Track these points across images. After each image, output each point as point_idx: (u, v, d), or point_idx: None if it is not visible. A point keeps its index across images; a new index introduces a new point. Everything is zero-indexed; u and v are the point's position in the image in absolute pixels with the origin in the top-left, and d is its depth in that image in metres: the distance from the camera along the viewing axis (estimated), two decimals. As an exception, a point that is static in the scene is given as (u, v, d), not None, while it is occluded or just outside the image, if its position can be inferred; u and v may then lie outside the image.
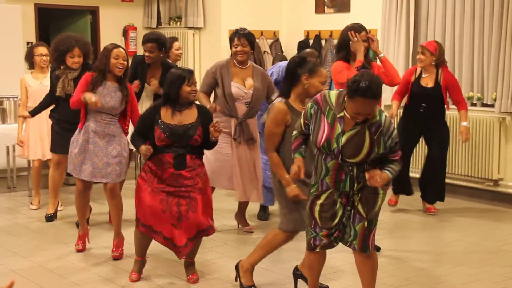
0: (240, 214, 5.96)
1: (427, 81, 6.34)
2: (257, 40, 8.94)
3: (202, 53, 9.25)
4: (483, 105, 7.16)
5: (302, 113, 3.81)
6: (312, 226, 3.76)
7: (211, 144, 4.52)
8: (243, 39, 5.53)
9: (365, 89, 3.44)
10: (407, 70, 6.83)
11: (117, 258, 5.09)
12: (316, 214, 3.73)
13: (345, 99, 3.59)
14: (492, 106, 7.02)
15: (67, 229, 5.94)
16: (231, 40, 5.63)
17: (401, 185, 6.59)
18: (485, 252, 5.40)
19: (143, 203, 4.44)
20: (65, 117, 5.85)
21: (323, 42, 8.68)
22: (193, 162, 4.44)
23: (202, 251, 4.91)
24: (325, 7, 8.69)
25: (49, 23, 9.71)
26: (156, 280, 4.66)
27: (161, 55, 5.96)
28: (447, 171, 7.20)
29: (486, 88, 7.09)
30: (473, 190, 7.21)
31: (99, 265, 5.01)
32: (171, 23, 9.62)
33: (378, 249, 5.20)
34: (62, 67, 5.88)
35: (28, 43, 8.67)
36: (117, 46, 5.02)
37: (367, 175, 3.59)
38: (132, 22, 9.73)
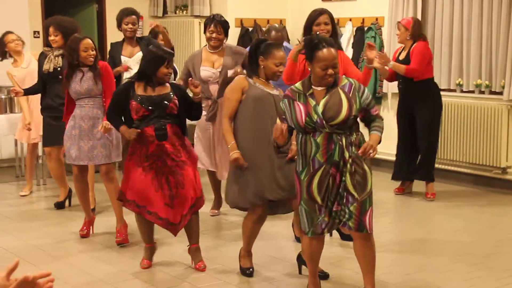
0: None
1: (403, 56, 6.51)
2: (263, 29, 8.93)
3: (208, 41, 9.22)
4: (491, 92, 7.12)
5: (278, 113, 3.93)
6: (317, 211, 3.75)
7: (195, 109, 4.55)
8: (219, 26, 5.67)
9: (321, 40, 3.71)
10: (395, 52, 6.86)
11: (121, 242, 5.10)
12: (316, 194, 3.72)
13: (310, 69, 3.74)
14: (500, 93, 6.99)
15: (77, 217, 5.96)
16: (206, 25, 5.74)
17: (405, 171, 6.75)
18: (493, 239, 5.39)
19: (136, 184, 4.44)
20: (53, 101, 5.95)
21: (330, 30, 8.63)
22: (174, 131, 4.45)
23: (207, 237, 4.92)
24: (332, -5, 8.64)
25: (55, 12, 9.68)
26: (162, 267, 4.68)
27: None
28: (455, 158, 7.19)
29: (495, 75, 7.05)
30: (481, 177, 7.19)
31: (106, 252, 5.03)
32: (177, 11, 9.60)
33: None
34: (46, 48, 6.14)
35: (34, 32, 8.69)
36: (84, 37, 5.14)
37: (360, 152, 3.64)
38: (139, 11, 9.68)
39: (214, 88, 5.72)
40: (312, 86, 3.75)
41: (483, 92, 7.19)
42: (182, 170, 4.44)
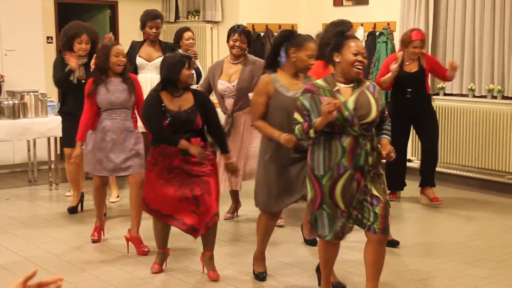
0: None
1: (411, 67, 6.43)
2: (275, 34, 8.93)
3: (220, 47, 9.24)
4: (504, 97, 7.09)
5: (298, 111, 3.76)
6: (339, 215, 3.71)
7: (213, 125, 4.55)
8: (243, 35, 5.64)
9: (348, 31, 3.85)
10: (389, 58, 6.67)
11: (146, 254, 5.02)
12: (339, 199, 3.68)
13: (337, 59, 3.70)
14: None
15: (88, 222, 5.98)
16: (229, 34, 5.71)
17: (398, 181, 6.69)
18: (507, 245, 5.35)
19: (159, 195, 4.42)
20: (73, 109, 5.93)
21: (341, 35, 8.63)
22: (198, 143, 4.41)
23: (222, 242, 4.92)
24: (344, 0, 8.65)
25: (68, 18, 9.74)
26: (173, 273, 4.68)
27: None
28: (467, 164, 7.17)
29: (507, 80, 7.02)
30: (493, 183, 7.15)
31: (118, 257, 5.04)
32: (189, 17, 9.63)
33: (397, 243, 5.18)
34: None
35: (48, 38, 8.75)
36: (116, 44, 5.12)
37: (383, 153, 3.70)
38: (151, 16, 9.74)
39: (229, 103, 5.67)
40: (337, 83, 3.73)
41: (495, 97, 7.16)
42: (208, 179, 4.41)
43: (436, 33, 7.56)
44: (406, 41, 6.38)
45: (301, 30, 9.13)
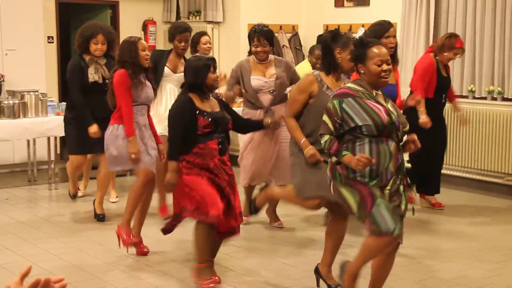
0: (271, 209, 5.87)
1: (443, 72, 6.35)
2: (276, 34, 8.93)
3: (221, 47, 9.25)
4: (504, 99, 7.09)
5: (329, 115, 3.59)
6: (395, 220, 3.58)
7: (242, 123, 4.61)
8: (263, 38, 5.52)
9: (371, 39, 3.71)
10: (427, 62, 6.30)
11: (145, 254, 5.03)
12: (387, 205, 3.56)
13: (362, 71, 3.61)
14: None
15: (87, 222, 5.98)
16: (250, 38, 5.65)
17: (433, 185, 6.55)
18: (507, 246, 5.35)
19: (200, 192, 4.20)
20: (94, 112, 5.82)
21: (342, 36, 8.64)
22: (228, 146, 4.42)
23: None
24: (344, 1, 8.65)
25: (69, 18, 9.78)
26: (173, 282, 4.68)
27: None
28: (467, 165, 7.15)
29: (507, 82, 7.02)
30: (492, 184, 7.15)
31: (119, 258, 5.04)
32: (190, 17, 9.63)
33: None
34: (87, 57, 5.90)
35: (48, 37, 8.75)
36: (139, 38, 5.11)
37: (412, 145, 3.69)
38: (152, 16, 9.76)
39: (265, 98, 5.59)
40: (374, 91, 3.65)
41: (495, 99, 7.16)
42: (235, 183, 4.40)
43: (437, 35, 7.56)
44: (447, 46, 6.17)
45: (302, 31, 9.14)
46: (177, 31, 6.01)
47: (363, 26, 8.24)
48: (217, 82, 4.39)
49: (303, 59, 8.82)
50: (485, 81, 7.17)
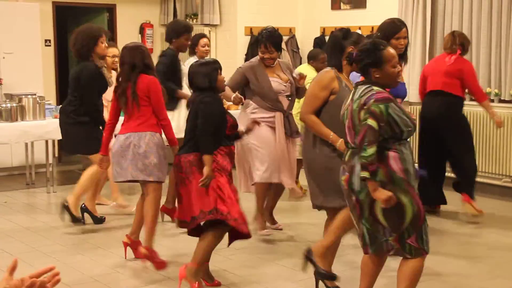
0: (268, 212, 5.75)
1: None
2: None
3: (218, 50, 9.27)
4: (501, 101, 7.11)
5: (377, 119, 3.40)
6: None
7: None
8: (270, 45, 5.40)
9: (379, 41, 3.69)
10: (471, 64, 6.36)
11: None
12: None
13: (377, 75, 3.53)
14: (510, 102, 6.98)
15: (88, 225, 5.98)
16: (258, 43, 5.53)
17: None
18: (506, 248, 5.36)
19: (234, 201, 4.21)
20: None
21: (339, 38, 8.66)
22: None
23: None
24: (341, 3, 8.68)
25: (66, 20, 9.79)
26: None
27: None
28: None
29: (504, 84, 7.04)
30: (489, 186, 7.17)
31: (117, 261, 5.05)
32: (187, 20, 9.65)
33: None
34: (95, 61, 5.77)
35: (46, 40, 8.76)
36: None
37: None
38: (149, 19, 9.78)
39: (283, 101, 5.46)
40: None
41: (492, 101, 7.17)
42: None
43: (433, 37, 7.58)
44: (467, 45, 6.21)
45: (298, 34, 9.17)
46: (186, 29, 5.98)
47: (359, 28, 8.25)
48: (224, 84, 4.42)
49: (300, 61, 8.85)
50: (482, 83, 7.18)
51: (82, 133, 5.75)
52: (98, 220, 5.96)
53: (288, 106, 5.50)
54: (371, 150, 3.34)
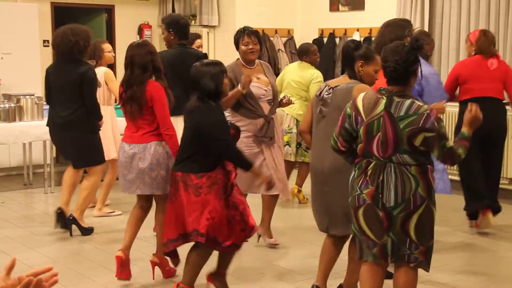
0: (264, 225, 5.36)
1: None
2: (271, 38, 8.97)
3: (216, 51, 9.28)
4: (499, 102, 7.12)
5: (441, 125, 3.35)
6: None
7: None
8: (253, 36, 5.14)
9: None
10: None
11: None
12: None
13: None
14: (507, 104, 6.97)
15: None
16: (238, 39, 5.20)
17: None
18: (500, 250, 5.37)
19: (223, 219, 3.91)
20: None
21: (337, 40, 8.68)
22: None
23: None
24: (340, 5, 8.69)
25: (65, 21, 9.77)
26: None
27: None
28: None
29: (502, 85, 7.05)
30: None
31: (111, 260, 5.04)
32: (186, 21, 9.67)
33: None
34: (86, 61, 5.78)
35: (44, 41, 8.77)
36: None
37: None
38: (147, 20, 9.79)
39: (264, 106, 5.13)
40: None
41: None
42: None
43: (432, 38, 7.59)
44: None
45: (297, 35, 9.18)
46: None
47: (358, 30, 8.28)
48: (227, 88, 4.15)
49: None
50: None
51: (90, 143, 5.66)
52: (86, 230, 5.71)
53: (269, 111, 5.17)
54: (461, 151, 3.38)
